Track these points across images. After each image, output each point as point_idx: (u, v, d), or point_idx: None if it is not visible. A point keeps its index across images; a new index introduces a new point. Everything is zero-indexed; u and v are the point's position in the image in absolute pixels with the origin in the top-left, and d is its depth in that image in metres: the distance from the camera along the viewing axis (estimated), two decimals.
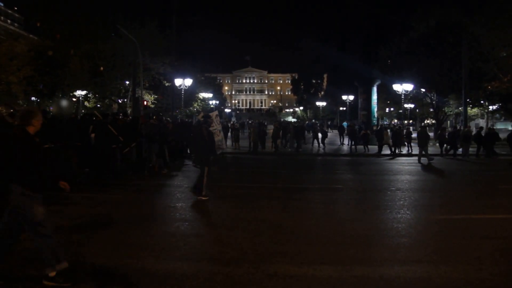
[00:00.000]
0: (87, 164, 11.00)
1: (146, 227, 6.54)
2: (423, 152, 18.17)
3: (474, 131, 23.71)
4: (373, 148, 23.13)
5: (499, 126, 38.61)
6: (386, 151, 22.12)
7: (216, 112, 16.64)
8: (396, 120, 51.76)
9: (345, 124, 33.50)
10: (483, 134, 21.66)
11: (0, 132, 5.42)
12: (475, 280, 4.50)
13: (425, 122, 47.04)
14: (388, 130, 27.20)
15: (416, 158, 18.45)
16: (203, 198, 8.64)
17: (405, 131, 25.12)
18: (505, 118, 34.82)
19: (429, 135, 19.92)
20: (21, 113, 4.40)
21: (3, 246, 4.28)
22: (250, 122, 45.80)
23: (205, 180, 8.71)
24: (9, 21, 44.92)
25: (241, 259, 5.09)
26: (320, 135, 25.95)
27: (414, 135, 25.43)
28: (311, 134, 30.18)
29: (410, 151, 22.43)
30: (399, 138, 22.18)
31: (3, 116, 5.82)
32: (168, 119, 14.52)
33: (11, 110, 5.88)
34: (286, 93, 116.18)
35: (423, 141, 18.28)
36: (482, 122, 38.59)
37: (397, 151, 21.80)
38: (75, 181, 10.11)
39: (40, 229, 4.15)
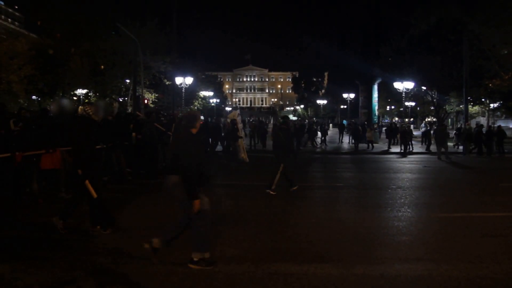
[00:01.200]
0: (131, 164, 11.01)
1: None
2: (443, 150, 18.49)
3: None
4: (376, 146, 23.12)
5: (500, 124, 38.54)
6: (392, 149, 22.17)
7: (238, 111, 16.73)
8: (397, 118, 51.70)
9: (344, 122, 33.48)
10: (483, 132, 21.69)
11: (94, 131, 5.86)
12: (476, 278, 4.50)
13: (426, 120, 47.02)
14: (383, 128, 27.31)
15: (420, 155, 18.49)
16: (272, 192, 9.17)
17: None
18: (506, 116, 34.76)
19: (448, 133, 20.13)
20: (187, 116, 5.00)
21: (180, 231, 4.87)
22: (251, 120, 45.76)
23: (278, 177, 9.29)
24: (9, 20, 44.94)
25: (241, 257, 5.09)
26: (319, 133, 25.98)
27: (415, 133, 25.50)
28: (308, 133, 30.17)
29: (411, 149, 22.47)
30: (406, 137, 22.25)
31: (90, 114, 6.02)
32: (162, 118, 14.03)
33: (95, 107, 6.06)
34: (287, 91, 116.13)
35: (442, 139, 18.58)
36: (483, 120, 38.55)
37: (405, 149, 21.92)
38: (126, 181, 10.28)
39: (204, 220, 4.67)
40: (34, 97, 31.38)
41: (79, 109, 6.02)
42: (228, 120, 17.12)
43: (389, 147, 23.09)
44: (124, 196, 8.77)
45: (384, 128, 29.52)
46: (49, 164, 7.83)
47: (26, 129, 7.61)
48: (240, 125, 16.97)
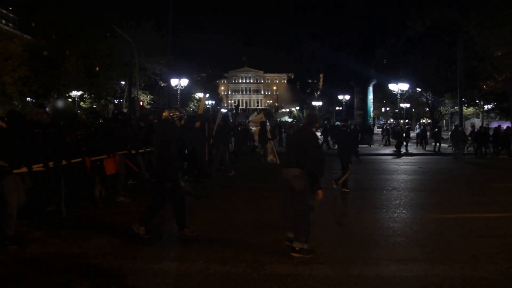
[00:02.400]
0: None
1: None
2: (457, 151, 19.16)
3: (468, 130, 23.81)
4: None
5: (494, 125, 38.77)
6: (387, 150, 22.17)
7: (262, 114, 16.58)
8: (392, 120, 51.86)
9: (338, 123, 33.57)
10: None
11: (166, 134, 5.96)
12: (471, 279, 4.52)
13: (421, 121, 47.20)
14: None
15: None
16: (346, 190, 9.86)
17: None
18: (500, 117, 34.95)
19: (465, 134, 20.42)
20: (308, 116, 5.79)
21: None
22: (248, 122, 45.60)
23: (347, 175, 9.91)
24: (3, 21, 44.67)
25: (238, 259, 5.08)
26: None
27: (412, 134, 25.63)
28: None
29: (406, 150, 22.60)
30: (404, 138, 22.39)
31: (174, 119, 6.10)
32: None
33: (178, 113, 6.14)
34: (282, 93, 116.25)
35: (459, 140, 19.22)
36: (477, 122, 38.75)
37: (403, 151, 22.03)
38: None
39: (307, 212, 5.14)
40: (28, 99, 31.19)
41: (164, 114, 6.18)
42: (250, 123, 17.03)
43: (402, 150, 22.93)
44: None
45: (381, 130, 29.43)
46: (111, 168, 7.83)
47: (89, 134, 7.58)
48: (268, 127, 16.88)
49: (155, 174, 6.09)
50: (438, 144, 22.72)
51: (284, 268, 4.81)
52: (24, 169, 5.51)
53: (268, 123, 16.95)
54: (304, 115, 75.83)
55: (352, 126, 20.77)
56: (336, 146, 25.23)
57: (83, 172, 7.29)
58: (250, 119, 19.09)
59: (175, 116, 6.03)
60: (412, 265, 4.92)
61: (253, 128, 18.22)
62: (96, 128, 8.19)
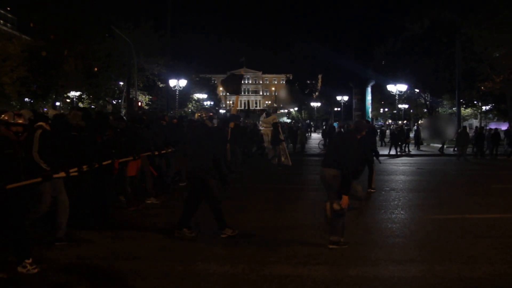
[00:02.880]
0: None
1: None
2: (461, 152, 19.39)
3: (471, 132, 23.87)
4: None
5: (492, 126, 38.88)
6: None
7: (274, 115, 16.45)
8: (390, 121, 51.93)
9: (335, 124, 33.60)
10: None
11: (202, 135, 6.09)
12: (469, 279, 4.53)
13: (419, 122, 47.28)
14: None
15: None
16: (372, 190, 10.07)
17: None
18: (498, 118, 35.04)
19: (469, 135, 20.59)
20: (356, 123, 6.17)
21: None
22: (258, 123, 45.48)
23: (373, 176, 10.30)
24: (2, 21, 44.59)
25: (236, 259, 5.08)
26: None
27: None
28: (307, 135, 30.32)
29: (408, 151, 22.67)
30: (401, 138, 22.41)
31: (204, 120, 6.19)
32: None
33: (210, 114, 6.21)
34: (281, 94, 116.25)
35: (464, 141, 19.45)
36: (475, 123, 38.84)
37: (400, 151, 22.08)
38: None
39: (341, 216, 5.43)
40: (26, 99, 31.13)
41: (196, 115, 6.34)
42: (263, 124, 16.95)
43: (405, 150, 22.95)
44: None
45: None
46: (132, 170, 7.80)
47: (116, 135, 7.53)
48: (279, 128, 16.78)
49: (190, 174, 6.15)
50: (443, 145, 22.76)
51: (282, 268, 4.81)
52: (62, 174, 5.45)
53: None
54: (303, 116, 75.97)
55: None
56: None
57: (114, 175, 7.18)
58: (261, 120, 18.98)
59: (205, 117, 6.17)
60: (410, 266, 4.92)
61: (262, 129, 18.11)
62: (123, 129, 8.09)
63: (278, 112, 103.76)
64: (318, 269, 4.79)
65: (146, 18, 31.64)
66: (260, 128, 18.89)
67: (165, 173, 9.50)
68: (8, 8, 45.48)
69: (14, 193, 4.60)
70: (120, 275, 4.60)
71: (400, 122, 31.14)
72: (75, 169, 5.75)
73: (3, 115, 4.95)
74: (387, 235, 6.31)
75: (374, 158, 10.33)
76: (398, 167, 16.27)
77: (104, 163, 6.58)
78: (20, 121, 5.00)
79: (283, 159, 15.57)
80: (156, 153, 8.76)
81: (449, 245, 5.73)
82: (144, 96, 33.61)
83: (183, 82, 28.79)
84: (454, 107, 29.60)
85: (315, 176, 14.22)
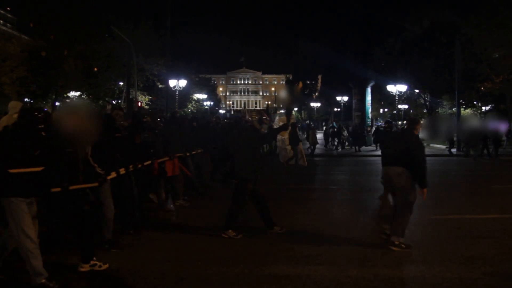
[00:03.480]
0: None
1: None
2: (473, 152, 19.72)
3: None
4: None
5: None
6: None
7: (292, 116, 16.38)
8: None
9: (334, 124, 33.65)
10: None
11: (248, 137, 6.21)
12: (468, 280, 4.53)
13: (386, 121, 47.29)
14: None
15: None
16: None
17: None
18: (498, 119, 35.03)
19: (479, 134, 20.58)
20: (411, 120, 6.40)
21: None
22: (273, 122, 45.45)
23: None
24: (1, 21, 44.57)
25: (236, 259, 5.09)
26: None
27: None
28: (305, 135, 30.31)
29: None
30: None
31: (253, 122, 6.30)
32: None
33: (263, 117, 6.35)
34: (281, 94, 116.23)
35: (476, 140, 19.77)
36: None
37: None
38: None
39: (410, 209, 5.59)
40: (26, 99, 31.12)
41: (247, 117, 6.43)
42: (279, 123, 16.95)
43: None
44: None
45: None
46: (170, 171, 7.74)
47: (154, 136, 7.48)
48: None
49: (237, 176, 6.20)
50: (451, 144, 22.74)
51: (282, 269, 4.81)
52: (113, 175, 5.41)
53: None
54: (302, 116, 75.95)
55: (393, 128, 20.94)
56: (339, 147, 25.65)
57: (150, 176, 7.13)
58: (276, 119, 18.92)
59: (254, 119, 6.32)
60: (409, 266, 4.93)
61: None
62: (160, 130, 8.06)
63: (278, 112, 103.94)
64: (318, 269, 4.80)
65: (146, 18, 31.66)
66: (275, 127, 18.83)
67: (194, 174, 9.43)
68: (8, 8, 45.48)
69: (75, 194, 4.57)
70: (119, 274, 4.61)
71: (400, 122, 31.14)
72: (123, 169, 5.68)
73: None
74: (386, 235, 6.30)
75: None
76: None
77: (145, 163, 6.52)
78: None
79: (300, 160, 15.56)
80: (188, 154, 8.72)
81: (448, 245, 5.74)
82: (144, 96, 33.61)
83: (183, 82, 28.80)
84: (454, 108, 29.59)
85: (324, 176, 14.28)
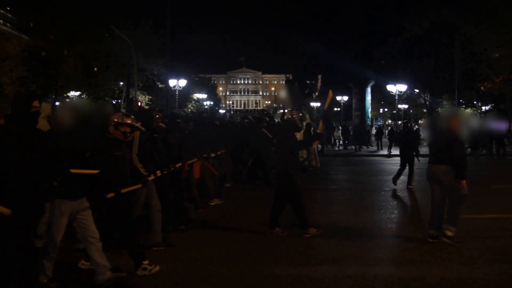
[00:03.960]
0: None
1: None
2: (484, 151, 20.03)
3: None
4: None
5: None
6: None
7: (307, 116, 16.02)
8: (390, 121, 51.96)
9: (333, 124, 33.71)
10: None
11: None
12: (468, 280, 4.53)
13: (419, 122, 47.33)
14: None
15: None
16: (411, 187, 10.65)
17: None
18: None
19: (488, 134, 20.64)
20: (447, 115, 6.49)
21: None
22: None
23: (413, 174, 10.86)
24: (1, 21, 44.54)
25: (236, 259, 5.09)
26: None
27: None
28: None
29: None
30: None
31: (295, 120, 6.31)
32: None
33: (301, 114, 6.40)
34: (281, 94, 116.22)
35: (484, 140, 20.03)
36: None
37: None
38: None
39: (463, 201, 5.78)
40: None
41: (287, 115, 6.41)
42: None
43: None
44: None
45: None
46: (197, 172, 7.70)
47: (185, 137, 7.47)
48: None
49: (279, 173, 6.21)
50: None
51: (282, 269, 4.81)
52: (158, 173, 5.41)
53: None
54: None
55: (414, 128, 20.98)
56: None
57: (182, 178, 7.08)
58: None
59: (297, 117, 6.29)
60: (409, 266, 4.93)
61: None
62: (191, 131, 8.03)
63: (277, 112, 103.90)
64: (318, 269, 4.80)
65: (146, 18, 31.69)
66: None
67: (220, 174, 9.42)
68: (8, 8, 45.44)
69: (125, 197, 4.53)
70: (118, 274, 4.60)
71: (400, 122, 31.10)
72: (162, 171, 5.64)
73: (112, 116, 4.74)
74: (386, 235, 6.32)
75: (415, 156, 10.97)
76: (397, 167, 16.24)
77: (177, 165, 6.46)
78: (129, 121, 4.72)
79: (313, 160, 15.53)
80: (213, 154, 8.68)
81: (448, 245, 5.73)
82: (143, 96, 33.64)
83: (182, 82, 28.80)
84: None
85: (328, 176, 14.26)
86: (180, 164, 6.62)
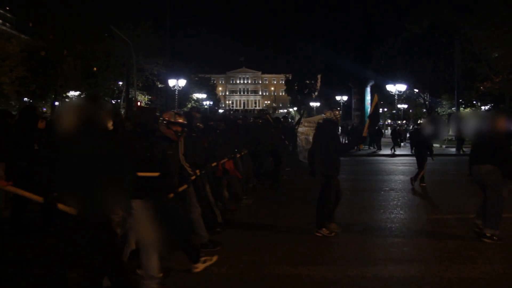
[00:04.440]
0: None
1: None
2: None
3: None
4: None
5: None
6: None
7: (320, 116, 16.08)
8: (389, 121, 51.97)
9: None
10: None
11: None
12: (468, 279, 4.53)
13: (418, 122, 47.38)
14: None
15: None
16: (423, 184, 10.70)
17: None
18: None
19: None
20: (492, 116, 6.38)
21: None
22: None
23: (423, 172, 10.76)
24: (0, 21, 44.52)
25: (236, 259, 5.09)
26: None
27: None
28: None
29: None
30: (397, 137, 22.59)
31: (337, 118, 6.40)
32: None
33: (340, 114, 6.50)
34: (280, 94, 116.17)
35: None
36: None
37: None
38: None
39: (502, 203, 5.80)
40: (25, 99, 31.12)
41: (328, 113, 6.39)
42: (305, 123, 16.68)
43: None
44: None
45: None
46: (232, 171, 7.62)
47: (217, 137, 7.36)
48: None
49: (322, 172, 6.20)
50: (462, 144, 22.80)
51: (282, 269, 4.81)
52: (198, 172, 5.38)
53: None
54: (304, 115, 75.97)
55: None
56: None
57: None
58: (302, 119, 18.69)
59: (338, 116, 6.36)
60: (409, 266, 4.93)
61: (301, 129, 17.61)
62: (222, 130, 7.90)
63: (277, 112, 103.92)
64: (318, 269, 4.80)
65: (146, 18, 31.73)
66: (300, 128, 18.65)
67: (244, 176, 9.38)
68: (7, 8, 45.43)
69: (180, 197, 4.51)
70: None
71: (400, 122, 31.17)
72: (198, 171, 5.54)
73: (164, 114, 4.73)
74: (386, 235, 6.32)
75: (429, 156, 10.95)
76: (397, 167, 16.29)
77: (212, 164, 6.42)
78: (180, 120, 4.71)
79: None
80: (238, 155, 8.57)
81: (448, 245, 5.74)
82: (143, 96, 33.64)
83: (182, 82, 28.82)
84: (453, 107, 29.64)
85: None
86: (215, 163, 6.60)
